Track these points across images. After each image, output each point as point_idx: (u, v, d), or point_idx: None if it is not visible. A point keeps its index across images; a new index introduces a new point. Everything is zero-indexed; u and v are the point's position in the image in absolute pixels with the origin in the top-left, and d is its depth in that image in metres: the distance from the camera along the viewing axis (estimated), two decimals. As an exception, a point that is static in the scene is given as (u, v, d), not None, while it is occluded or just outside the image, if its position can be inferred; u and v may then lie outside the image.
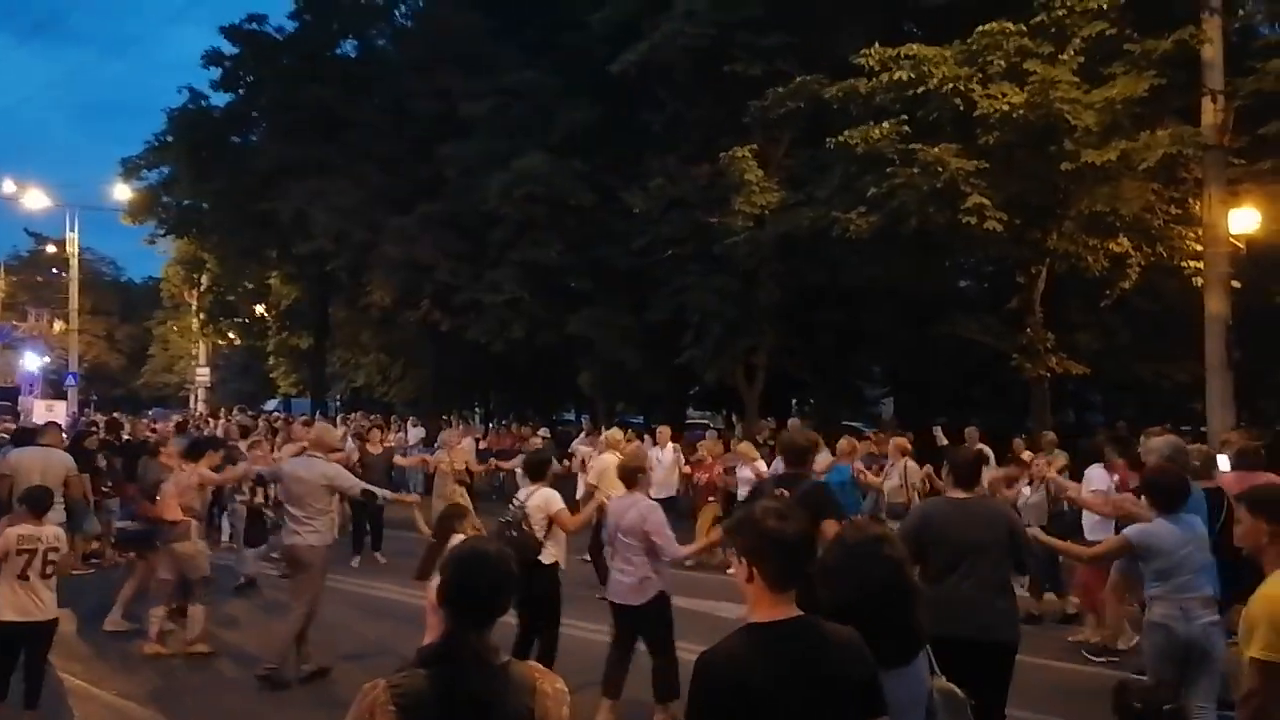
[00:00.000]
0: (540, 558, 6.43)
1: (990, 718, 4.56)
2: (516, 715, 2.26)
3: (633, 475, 6.40)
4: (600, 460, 10.53)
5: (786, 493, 5.32)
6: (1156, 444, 6.34)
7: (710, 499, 12.68)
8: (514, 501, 6.71)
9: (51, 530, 5.89)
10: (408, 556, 10.58)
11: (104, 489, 11.89)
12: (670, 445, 13.68)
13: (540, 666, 2.44)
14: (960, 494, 4.97)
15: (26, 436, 9.90)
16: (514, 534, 6.34)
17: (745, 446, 12.54)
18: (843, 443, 11.19)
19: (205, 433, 18.98)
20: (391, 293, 23.99)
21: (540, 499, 6.59)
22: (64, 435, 11.90)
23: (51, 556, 5.77)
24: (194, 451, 8.53)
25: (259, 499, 11.70)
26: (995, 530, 4.75)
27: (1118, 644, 7.93)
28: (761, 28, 17.12)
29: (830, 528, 5.02)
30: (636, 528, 6.04)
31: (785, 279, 17.36)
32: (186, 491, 8.00)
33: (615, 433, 12.20)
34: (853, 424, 24.72)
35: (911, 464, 10.50)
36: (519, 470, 8.29)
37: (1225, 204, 13.24)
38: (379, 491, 8.61)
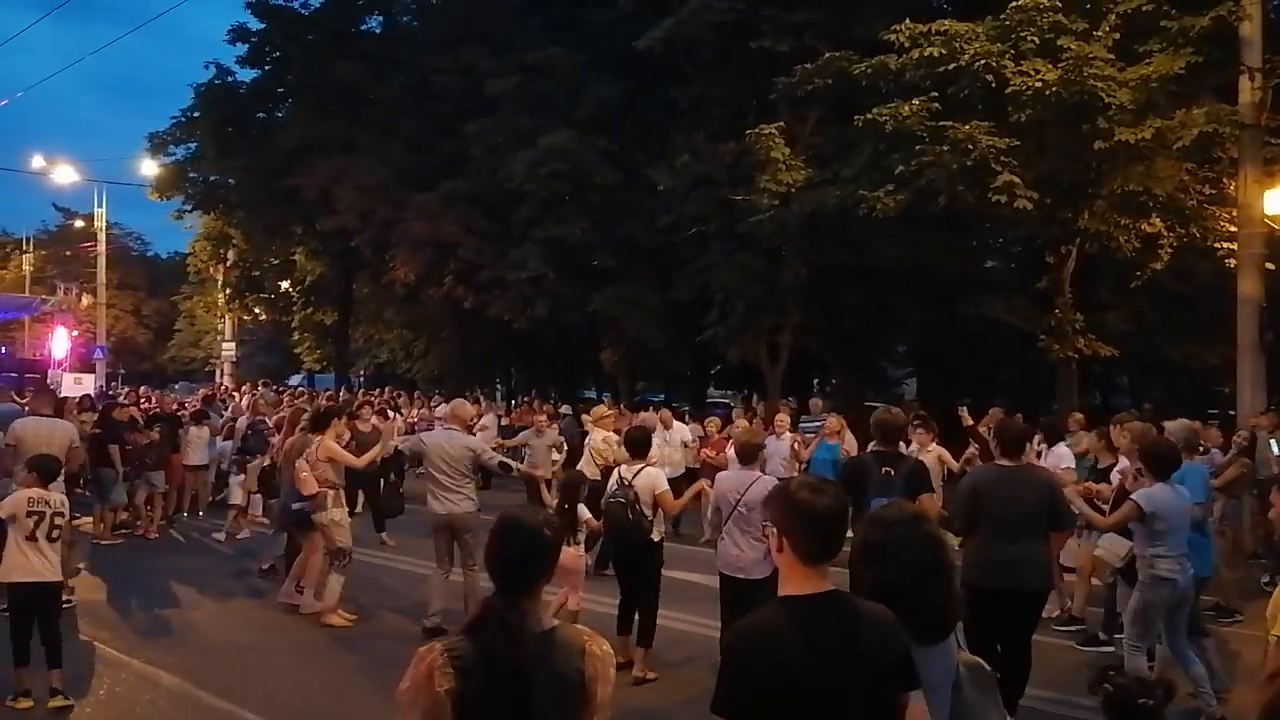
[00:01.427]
0: (650, 536, 6.64)
1: (1022, 655, 5.46)
2: (565, 678, 2.30)
3: (752, 451, 6.52)
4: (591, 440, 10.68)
5: (892, 470, 5.71)
6: (1174, 428, 7.26)
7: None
8: (618, 479, 6.83)
9: (58, 496, 6.13)
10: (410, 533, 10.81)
11: (146, 460, 12.14)
12: (679, 425, 13.72)
13: (588, 630, 2.48)
14: (1008, 462, 5.62)
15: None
16: (630, 515, 6.55)
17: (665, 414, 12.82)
18: (832, 421, 12.04)
19: (230, 407, 19.15)
20: (415, 269, 24.03)
21: (647, 478, 6.72)
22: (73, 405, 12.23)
23: (58, 521, 5.98)
24: (321, 423, 8.40)
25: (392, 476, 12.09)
26: (1038, 493, 5.44)
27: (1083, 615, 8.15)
28: (790, 3, 16.94)
29: (928, 503, 5.77)
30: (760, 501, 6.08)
31: (810, 258, 17.24)
32: (319, 464, 8.03)
33: (600, 409, 12.29)
34: (875, 404, 24.65)
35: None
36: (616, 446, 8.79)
37: (1261, 184, 13.00)
38: (513, 464, 9.19)
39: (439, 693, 2.21)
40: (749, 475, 6.24)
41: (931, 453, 10.34)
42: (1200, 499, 6.72)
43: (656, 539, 6.72)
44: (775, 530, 2.47)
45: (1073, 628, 8.01)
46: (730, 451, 12.42)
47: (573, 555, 6.88)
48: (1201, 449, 8.51)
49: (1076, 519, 6.31)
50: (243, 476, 12.28)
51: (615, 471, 7.10)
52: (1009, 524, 5.33)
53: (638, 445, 6.96)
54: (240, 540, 11.94)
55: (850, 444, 11.81)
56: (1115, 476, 7.50)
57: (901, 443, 6.52)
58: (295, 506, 8.39)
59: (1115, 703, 2.89)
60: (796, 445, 11.77)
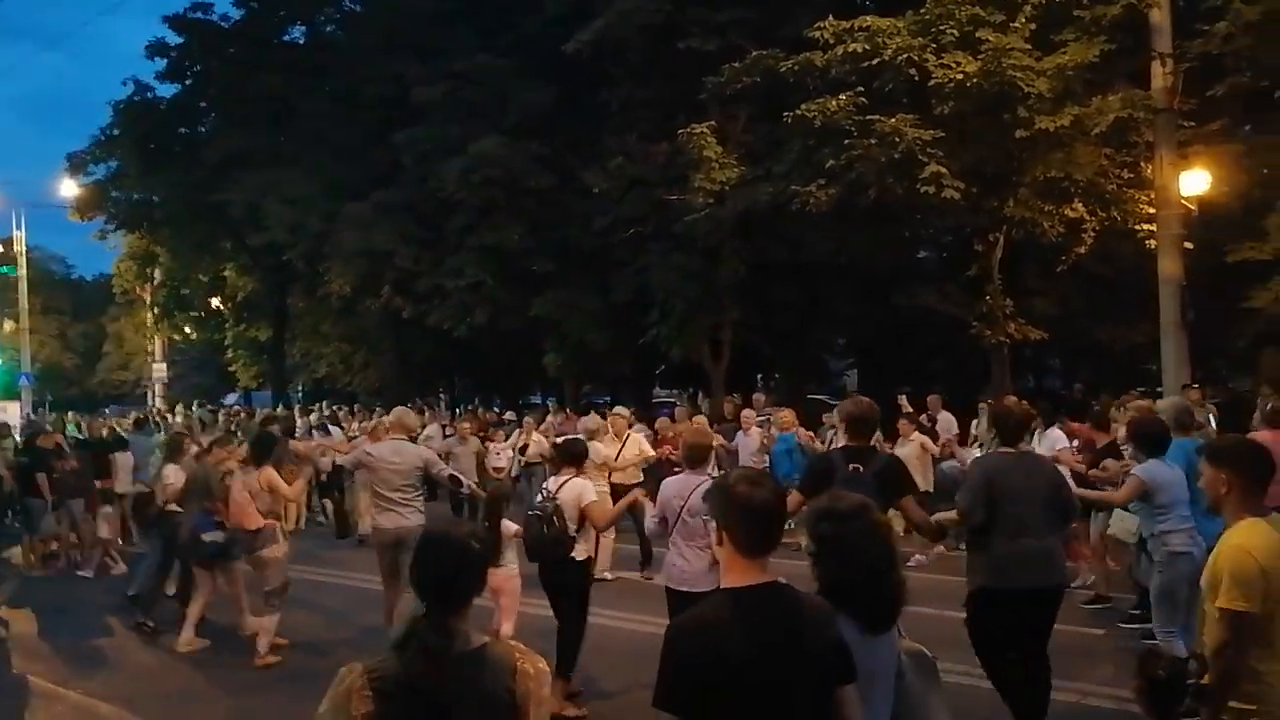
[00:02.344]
0: (573, 554, 6.09)
1: (1040, 653, 5.11)
2: (494, 696, 2.22)
3: (701, 453, 5.94)
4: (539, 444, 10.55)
5: (860, 467, 4.96)
6: (1165, 405, 7.24)
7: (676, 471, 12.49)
8: (542, 491, 6.32)
9: None
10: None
11: (68, 489, 11.55)
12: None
13: (522, 646, 2.39)
14: (1010, 450, 5.25)
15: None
16: (546, 529, 5.99)
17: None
18: (786, 415, 11.84)
19: (164, 428, 18.68)
20: (350, 281, 23.69)
21: (573, 490, 6.17)
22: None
23: None
24: (261, 452, 7.77)
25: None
26: (1047, 483, 5.09)
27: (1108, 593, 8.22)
28: (715, 3, 17.06)
29: (909, 506, 5.14)
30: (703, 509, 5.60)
31: (746, 255, 17.38)
32: (259, 495, 7.48)
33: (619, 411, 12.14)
34: (817, 396, 24.93)
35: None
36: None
37: (1176, 166, 13.42)
38: (464, 479, 8.60)
39: (355, 717, 2.14)
40: (694, 480, 5.59)
41: (914, 442, 10.24)
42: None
43: (581, 558, 6.15)
44: (716, 524, 2.49)
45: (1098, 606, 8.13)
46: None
47: (503, 576, 6.41)
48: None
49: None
50: (109, 509, 11.50)
51: (542, 485, 6.57)
52: (1025, 516, 4.94)
53: (570, 457, 6.45)
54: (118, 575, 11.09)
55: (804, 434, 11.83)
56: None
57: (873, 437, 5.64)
58: (207, 538, 7.78)
59: (1166, 684, 2.93)
60: (765, 440, 11.69)
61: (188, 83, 28.44)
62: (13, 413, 22.39)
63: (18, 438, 14.66)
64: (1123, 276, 15.91)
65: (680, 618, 2.46)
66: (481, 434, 14.70)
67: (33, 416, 23.39)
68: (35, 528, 11.40)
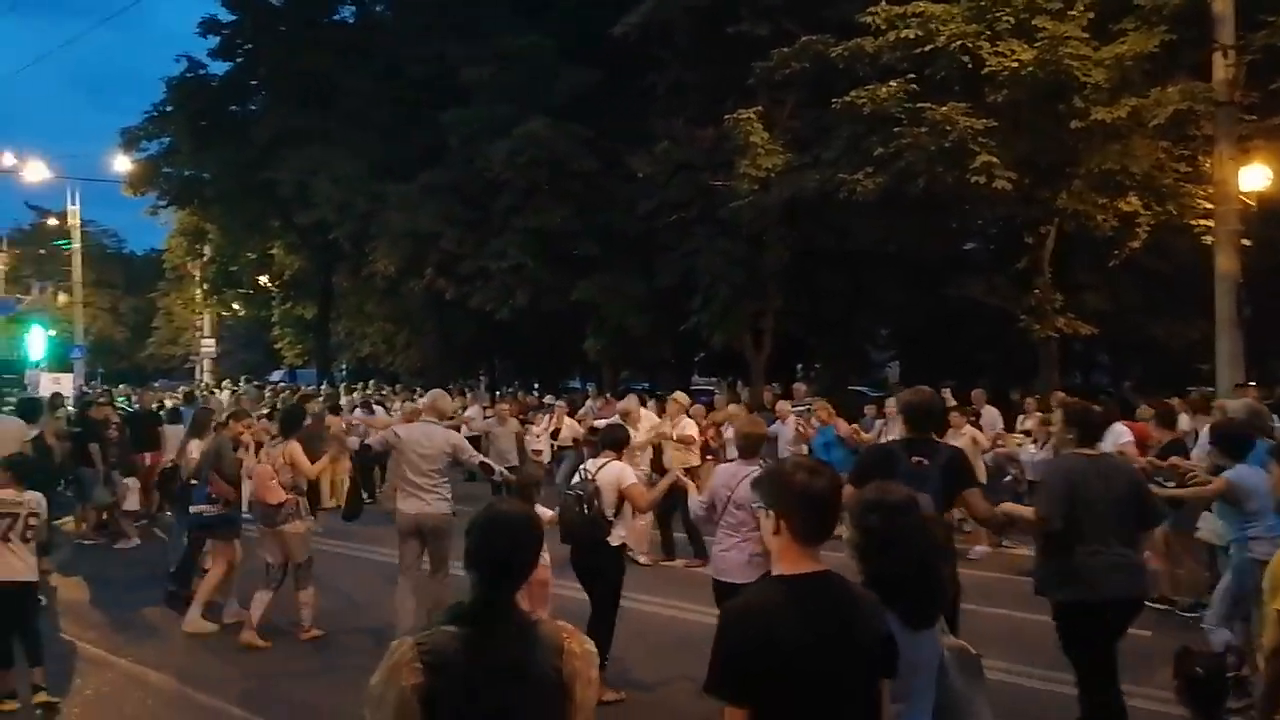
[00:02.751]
0: (608, 539, 6.00)
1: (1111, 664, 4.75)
2: (542, 674, 2.24)
3: (754, 443, 5.80)
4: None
5: (924, 460, 4.74)
6: (1234, 405, 7.12)
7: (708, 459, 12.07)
8: (582, 473, 6.23)
9: (33, 496, 5.93)
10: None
11: (111, 460, 11.81)
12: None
13: (569, 626, 2.40)
14: (1090, 451, 4.92)
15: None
16: (584, 510, 5.91)
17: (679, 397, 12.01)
18: (823, 406, 11.83)
19: (211, 404, 19.01)
20: (395, 261, 23.90)
21: (612, 472, 6.07)
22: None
23: (32, 521, 5.85)
24: (289, 426, 7.75)
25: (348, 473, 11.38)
26: (1128, 486, 4.80)
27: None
28: (765, -13, 16.87)
29: (975, 499, 4.90)
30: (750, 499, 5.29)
31: (791, 242, 17.26)
32: (283, 469, 7.36)
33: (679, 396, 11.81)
34: (858, 388, 24.73)
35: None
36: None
37: (1236, 161, 13.07)
38: (496, 466, 8.32)
39: (405, 688, 2.16)
40: (744, 469, 5.43)
41: (965, 435, 9.82)
42: None
43: (615, 543, 6.04)
44: (772, 513, 2.48)
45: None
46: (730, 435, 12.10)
47: (541, 565, 6.34)
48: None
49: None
50: (131, 480, 11.55)
51: (580, 466, 6.46)
52: (1107, 522, 4.65)
53: (612, 441, 6.37)
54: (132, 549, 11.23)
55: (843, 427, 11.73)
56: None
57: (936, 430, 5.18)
58: (193, 509, 7.71)
59: (1205, 682, 2.91)
60: (801, 427, 11.70)
61: (239, 60, 28.81)
62: (65, 384, 22.84)
63: (70, 409, 15.01)
64: (1178, 272, 15.55)
65: (732, 603, 2.46)
66: (521, 416, 14.79)
67: (85, 389, 23.90)
68: (87, 497, 11.66)
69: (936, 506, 4.42)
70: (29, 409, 10.57)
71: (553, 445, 13.56)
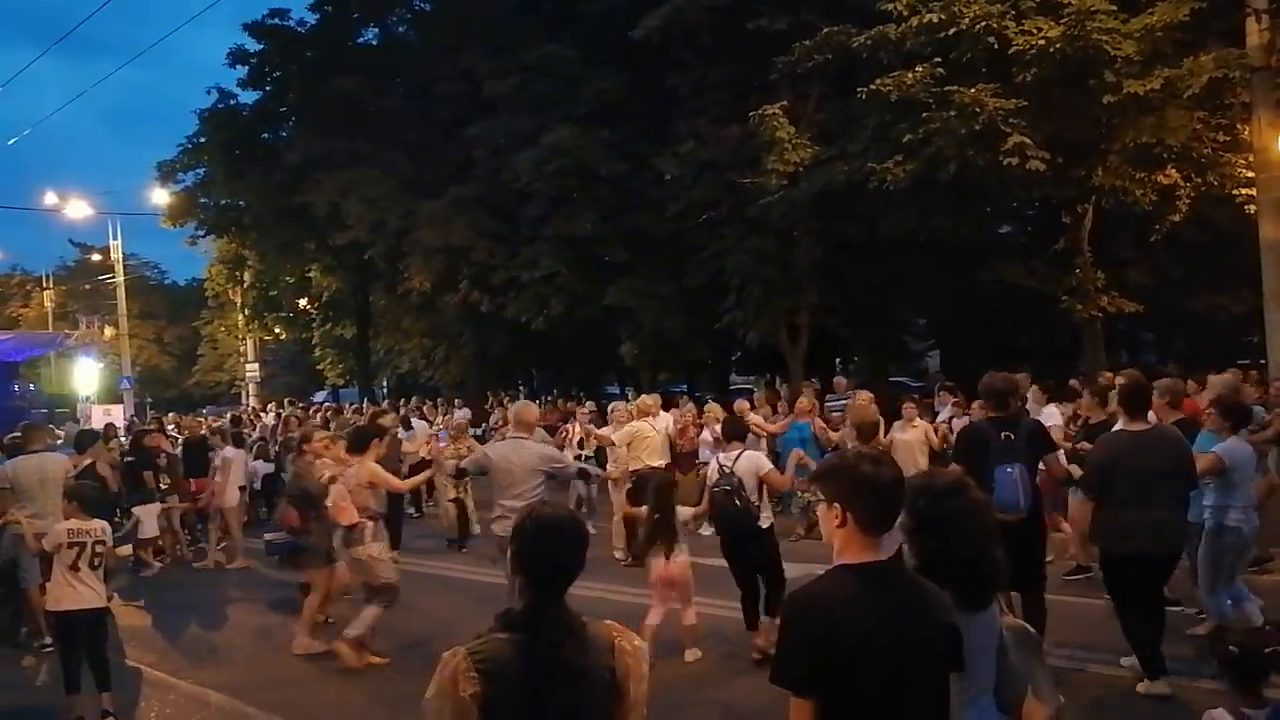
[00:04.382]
0: (759, 523, 6.43)
1: (1158, 602, 5.56)
2: (596, 674, 2.27)
3: (871, 430, 6.52)
4: (632, 426, 10.51)
5: (1012, 435, 5.54)
6: (1216, 381, 7.73)
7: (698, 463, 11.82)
8: (719, 466, 6.56)
9: (99, 524, 6.13)
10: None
11: (161, 486, 11.96)
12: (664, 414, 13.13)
13: (618, 625, 2.41)
14: (1137, 425, 5.56)
15: (16, 445, 8.97)
16: (738, 503, 6.30)
17: (713, 408, 12.10)
18: (802, 401, 11.81)
19: (258, 428, 19.29)
20: (430, 277, 24.09)
21: (749, 461, 6.50)
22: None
23: (98, 549, 6.02)
24: (359, 445, 7.49)
25: (459, 493, 11.54)
26: (1175, 456, 5.44)
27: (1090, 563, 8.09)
28: (785, -19, 16.79)
29: (1055, 462, 5.86)
30: None
31: (823, 236, 17.16)
32: (359, 491, 7.19)
33: (647, 399, 11.89)
34: (898, 379, 24.50)
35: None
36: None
37: (1275, 127, 12.78)
38: (593, 470, 8.33)
39: (464, 698, 2.17)
40: None
41: (918, 428, 9.94)
42: None
43: (766, 525, 6.51)
44: (837, 505, 2.47)
45: (1078, 576, 8.16)
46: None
47: (682, 565, 6.57)
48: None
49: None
50: (154, 506, 11.54)
51: (714, 459, 6.86)
52: (1148, 487, 5.30)
53: (735, 431, 6.82)
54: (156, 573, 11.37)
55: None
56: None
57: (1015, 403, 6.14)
58: (269, 537, 7.65)
59: (1241, 659, 2.88)
60: (818, 430, 11.28)
61: (268, 88, 29.20)
62: (116, 415, 23.33)
63: (123, 440, 15.31)
64: (1221, 244, 15.24)
65: (797, 593, 2.46)
66: (560, 424, 14.75)
67: (135, 420, 24.36)
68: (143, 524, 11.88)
69: (1028, 475, 5.48)
70: (83, 440, 10.78)
71: (579, 455, 13.37)
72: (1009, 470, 5.39)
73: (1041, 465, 5.89)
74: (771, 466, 6.56)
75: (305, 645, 7.57)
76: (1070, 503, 8.20)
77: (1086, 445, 7.72)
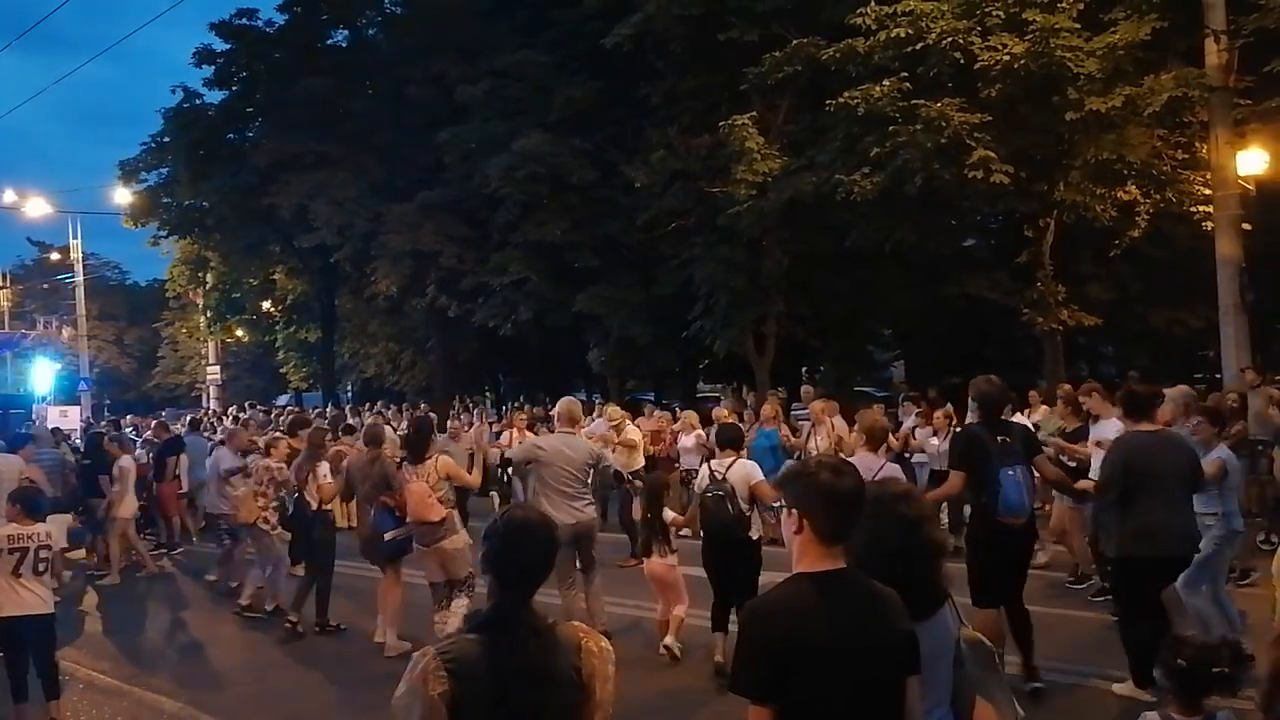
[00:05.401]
0: (750, 533, 6.34)
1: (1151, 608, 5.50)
2: (563, 675, 2.29)
3: (880, 434, 6.52)
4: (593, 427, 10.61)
5: (1008, 439, 5.58)
6: (1174, 393, 7.39)
7: (677, 467, 12.04)
8: (710, 473, 6.49)
9: (42, 529, 5.86)
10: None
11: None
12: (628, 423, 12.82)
13: (585, 626, 2.44)
14: (1147, 426, 5.65)
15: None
16: (730, 510, 6.23)
17: (690, 415, 12.39)
18: (766, 408, 11.86)
19: (219, 430, 19.00)
20: (397, 281, 23.95)
21: (741, 470, 6.43)
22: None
23: (43, 554, 5.77)
24: (418, 447, 7.56)
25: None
26: (1185, 457, 5.55)
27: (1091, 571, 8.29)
28: (755, -7, 16.90)
29: (1045, 463, 5.84)
30: None
31: (791, 246, 17.28)
32: (439, 484, 7.30)
33: (614, 409, 12.47)
34: (864, 389, 24.66)
35: (840, 423, 10.77)
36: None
37: (1232, 145, 13.08)
38: (625, 472, 8.54)
39: (433, 696, 2.19)
40: (876, 463, 5.92)
41: (835, 432, 10.29)
42: None
43: (755, 537, 6.40)
44: (794, 512, 2.47)
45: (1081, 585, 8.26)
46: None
47: (668, 566, 6.68)
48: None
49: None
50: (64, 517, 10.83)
51: (706, 465, 6.79)
52: (1163, 490, 5.37)
53: (731, 440, 6.78)
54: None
55: (842, 429, 11.64)
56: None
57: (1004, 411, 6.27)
58: (389, 536, 7.47)
59: (1187, 673, 2.90)
60: (783, 437, 11.36)
61: (235, 89, 28.84)
62: (72, 417, 22.89)
63: (77, 442, 15.04)
64: (1179, 259, 15.54)
65: (756, 602, 2.47)
66: (533, 429, 14.71)
67: (91, 421, 23.93)
68: (99, 528, 11.66)
69: (1029, 476, 5.55)
70: (16, 442, 10.60)
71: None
72: (1011, 472, 5.40)
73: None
74: (763, 477, 6.53)
75: (396, 646, 7.36)
76: (1069, 511, 8.24)
77: (1073, 447, 8.00)
